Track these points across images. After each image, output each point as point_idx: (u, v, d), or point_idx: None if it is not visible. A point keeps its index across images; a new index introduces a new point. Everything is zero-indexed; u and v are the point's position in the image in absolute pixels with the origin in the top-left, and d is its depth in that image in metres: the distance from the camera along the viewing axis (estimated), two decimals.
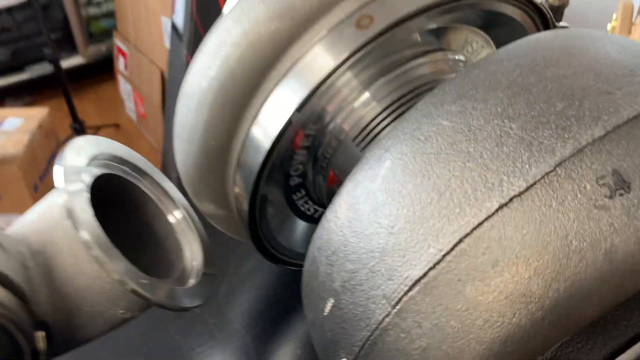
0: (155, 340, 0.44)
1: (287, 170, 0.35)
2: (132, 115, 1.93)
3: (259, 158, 0.31)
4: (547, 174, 0.22)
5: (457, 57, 0.36)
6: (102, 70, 2.03)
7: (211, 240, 0.38)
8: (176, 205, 0.38)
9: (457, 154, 0.23)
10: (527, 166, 0.22)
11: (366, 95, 0.33)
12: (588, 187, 0.21)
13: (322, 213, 0.40)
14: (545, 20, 0.35)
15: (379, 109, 0.33)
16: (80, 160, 0.33)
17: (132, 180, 0.36)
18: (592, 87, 0.23)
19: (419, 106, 0.26)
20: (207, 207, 0.37)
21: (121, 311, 0.32)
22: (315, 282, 0.27)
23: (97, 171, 0.34)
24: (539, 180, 0.22)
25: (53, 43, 1.47)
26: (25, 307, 0.30)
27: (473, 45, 0.37)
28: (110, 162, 0.35)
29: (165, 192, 0.38)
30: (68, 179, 0.31)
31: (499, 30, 0.36)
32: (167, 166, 1.49)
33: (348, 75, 0.31)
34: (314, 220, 0.40)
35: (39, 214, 0.32)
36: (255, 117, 0.31)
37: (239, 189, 0.34)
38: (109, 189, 0.35)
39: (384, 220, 0.24)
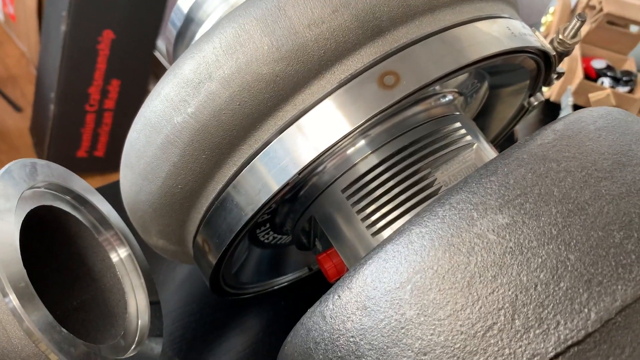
0: None
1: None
2: None
3: (238, 224, 0.27)
4: (606, 321, 0.20)
5: (451, 98, 0.32)
6: None
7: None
8: (120, 241, 0.32)
9: (507, 280, 0.21)
10: (586, 310, 0.20)
11: (362, 143, 0.29)
12: None
13: (284, 243, 0.36)
14: (548, 62, 0.33)
15: (375, 161, 0.29)
16: (10, 198, 0.26)
17: (69, 210, 0.30)
18: None
19: (455, 204, 0.22)
20: (157, 242, 0.31)
21: None
22: None
23: (28, 207, 0.27)
24: (598, 329, 0.20)
25: None
26: None
27: (467, 82, 0.34)
28: (45, 191, 0.29)
29: (107, 222, 0.32)
30: None
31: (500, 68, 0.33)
32: (43, 84, 1.32)
33: None
34: (270, 246, 0.36)
35: None
36: (239, 170, 0.26)
37: (204, 240, 0.29)
38: (40, 220, 0.29)
39: (415, 344, 0.21)
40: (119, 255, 0.32)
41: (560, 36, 0.33)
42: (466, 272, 0.21)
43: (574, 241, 0.21)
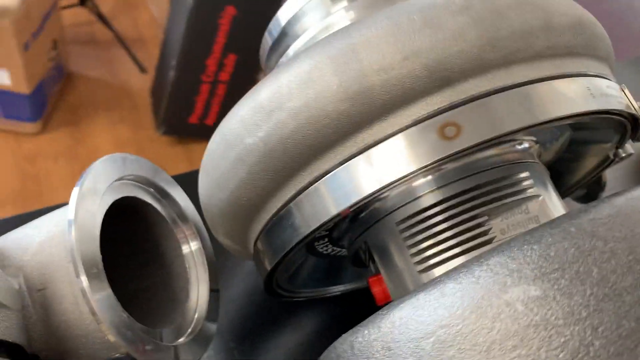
0: None
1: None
2: None
3: (292, 240, 0.28)
4: None
5: (527, 146, 0.32)
6: None
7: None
8: (194, 235, 0.35)
9: (526, 352, 0.21)
10: None
11: (428, 179, 0.29)
12: None
13: (342, 255, 0.38)
14: (635, 122, 0.32)
15: (437, 198, 0.29)
16: (99, 185, 0.29)
17: (151, 201, 0.33)
18: None
19: (493, 266, 0.23)
20: (224, 240, 0.34)
21: (118, 355, 0.30)
22: None
23: (114, 197, 0.30)
24: None
25: None
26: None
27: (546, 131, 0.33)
28: (131, 182, 0.32)
29: (184, 216, 0.35)
30: (82, 208, 0.28)
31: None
32: (166, 51, 1.41)
33: None
34: (329, 257, 0.38)
35: (39, 244, 0.29)
36: (299, 193, 0.28)
37: (263, 248, 0.31)
38: (123, 208, 0.32)
39: None
40: (190, 247, 0.35)
41: None
42: (488, 336, 0.22)
43: (603, 327, 0.21)
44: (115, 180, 0.30)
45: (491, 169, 0.30)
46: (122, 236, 0.34)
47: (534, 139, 0.33)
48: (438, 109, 0.26)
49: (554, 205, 0.31)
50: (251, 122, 0.28)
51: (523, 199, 0.30)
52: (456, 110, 0.25)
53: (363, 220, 0.32)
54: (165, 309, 0.34)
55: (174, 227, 0.34)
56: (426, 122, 0.26)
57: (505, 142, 0.31)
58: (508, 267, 0.23)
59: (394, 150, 0.26)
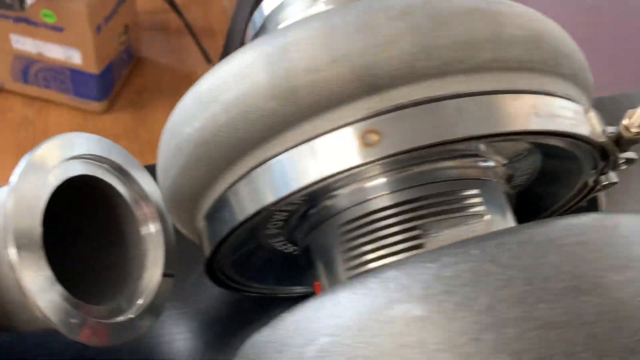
0: None
1: (264, 226, 0.32)
2: None
3: (224, 230, 0.29)
4: None
5: (492, 164, 0.31)
6: None
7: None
8: (155, 218, 0.36)
9: None
10: None
11: (378, 183, 0.28)
12: None
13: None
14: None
15: (382, 204, 0.28)
16: (49, 161, 0.31)
17: (111, 181, 0.34)
18: None
19: (387, 280, 0.22)
20: (176, 224, 0.35)
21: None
22: None
23: (68, 174, 0.32)
24: None
25: None
26: None
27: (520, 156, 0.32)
28: (92, 161, 0.33)
29: (146, 197, 0.36)
30: (25, 181, 0.29)
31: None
32: (229, 43, 1.44)
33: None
34: (291, 256, 0.38)
35: None
36: (231, 185, 0.28)
37: (204, 235, 0.32)
38: (87, 188, 0.33)
39: None
40: (150, 229, 0.36)
41: (625, 122, 0.29)
42: (365, 351, 0.21)
43: (477, 358, 0.20)
44: (71, 158, 0.32)
45: (439, 181, 0.29)
46: (84, 215, 0.35)
47: (499, 158, 0.31)
48: (363, 115, 0.25)
49: (505, 226, 0.29)
50: (190, 113, 0.28)
51: (466, 216, 0.28)
52: (380, 117, 0.25)
53: (312, 220, 0.31)
54: (116, 288, 0.35)
55: (134, 208, 0.35)
56: (349, 127, 0.25)
57: (467, 156, 0.30)
58: (399, 282, 0.22)
59: (315, 153, 0.25)
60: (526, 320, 0.20)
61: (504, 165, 0.32)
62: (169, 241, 0.36)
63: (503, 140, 0.27)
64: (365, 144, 0.25)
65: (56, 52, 1.44)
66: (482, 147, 0.30)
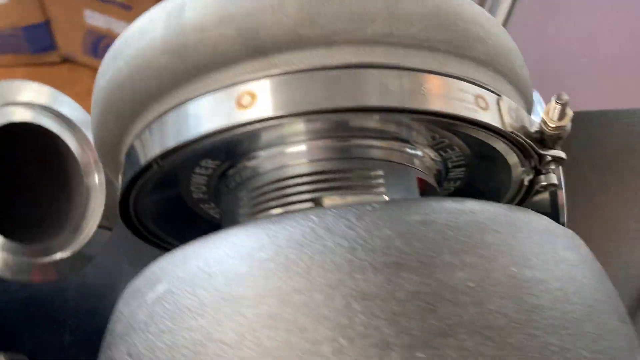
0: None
1: (187, 187, 0.33)
2: None
3: (127, 177, 0.29)
4: None
5: (419, 153, 0.30)
6: None
7: None
8: (100, 167, 0.37)
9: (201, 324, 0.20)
10: None
11: (297, 150, 0.28)
12: None
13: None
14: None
15: (293, 172, 0.28)
16: None
17: (54, 129, 0.36)
18: None
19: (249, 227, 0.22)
20: (110, 175, 0.36)
21: None
22: None
23: (9, 117, 0.34)
24: None
25: None
26: None
27: (450, 150, 0.31)
28: (38, 110, 0.35)
29: (91, 147, 0.37)
30: None
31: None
32: None
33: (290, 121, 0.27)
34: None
35: None
36: (136, 136, 0.29)
37: (120, 185, 0.32)
38: (28, 136, 0.35)
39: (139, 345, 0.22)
40: (95, 180, 0.37)
41: (544, 116, 0.28)
42: (189, 301, 0.21)
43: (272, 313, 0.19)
44: (13, 104, 0.33)
45: (346, 158, 0.29)
46: (31, 164, 0.37)
47: (427, 150, 0.31)
48: (245, 78, 0.25)
49: None
50: (105, 66, 0.29)
51: (363, 194, 0.28)
52: (261, 81, 0.25)
53: (229, 184, 0.32)
54: (52, 233, 0.36)
55: (81, 159, 0.37)
56: (230, 88, 0.25)
57: (396, 140, 0.30)
58: (236, 239, 0.22)
59: (197, 112, 0.26)
60: (333, 288, 0.20)
61: (433, 159, 0.31)
62: (112, 194, 0.37)
63: (376, 114, 0.26)
64: (241, 105, 0.25)
65: (124, 28, 1.50)
66: (406, 132, 0.29)
